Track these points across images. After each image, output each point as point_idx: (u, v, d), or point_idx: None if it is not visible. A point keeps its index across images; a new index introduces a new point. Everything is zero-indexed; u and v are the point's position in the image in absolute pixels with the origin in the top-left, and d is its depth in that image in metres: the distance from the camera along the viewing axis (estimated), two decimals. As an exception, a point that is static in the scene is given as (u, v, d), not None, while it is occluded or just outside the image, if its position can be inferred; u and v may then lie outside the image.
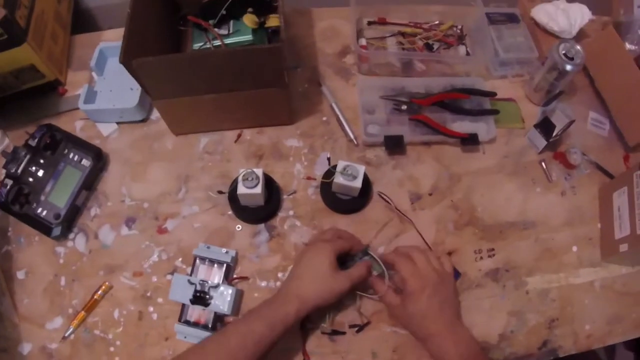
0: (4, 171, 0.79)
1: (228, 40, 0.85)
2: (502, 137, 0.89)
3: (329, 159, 0.85)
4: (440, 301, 0.68)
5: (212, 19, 0.85)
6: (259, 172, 0.74)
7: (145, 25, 0.74)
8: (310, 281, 0.66)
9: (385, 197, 0.80)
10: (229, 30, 0.86)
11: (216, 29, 0.85)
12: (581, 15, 0.94)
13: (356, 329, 0.73)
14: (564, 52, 0.84)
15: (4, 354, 0.72)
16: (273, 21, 0.85)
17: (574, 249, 0.81)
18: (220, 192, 0.81)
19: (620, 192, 0.79)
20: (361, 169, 0.75)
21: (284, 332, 0.63)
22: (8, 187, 0.78)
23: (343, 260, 0.72)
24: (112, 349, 0.72)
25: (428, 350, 0.68)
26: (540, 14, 0.96)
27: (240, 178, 0.74)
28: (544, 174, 0.87)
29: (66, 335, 0.72)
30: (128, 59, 0.66)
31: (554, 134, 0.83)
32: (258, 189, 0.73)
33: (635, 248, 0.73)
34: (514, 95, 0.94)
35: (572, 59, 0.84)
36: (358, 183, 0.74)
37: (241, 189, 0.73)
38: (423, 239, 0.79)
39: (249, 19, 0.84)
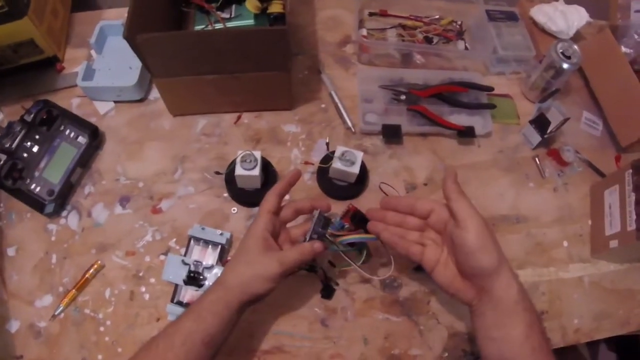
0: (-2, 146, 0.78)
1: (230, 24, 0.85)
2: (498, 133, 0.90)
3: (327, 144, 0.85)
4: None
5: (214, 2, 0.85)
6: (257, 154, 0.74)
7: (149, 4, 0.74)
8: (235, 264, 0.60)
9: (387, 186, 0.77)
10: (231, 14, 0.86)
11: (218, 12, 0.85)
12: (579, 17, 0.96)
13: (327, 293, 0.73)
14: (561, 50, 0.86)
15: (-9, 331, 0.71)
16: (275, 7, 0.84)
17: (565, 244, 0.82)
18: (217, 173, 0.81)
19: (611, 190, 0.80)
20: (359, 155, 0.75)
21: (218, 325, 0.56)
22: (1, 162, 0.77)
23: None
24: (102, 328, 0.71)
25: (491, 288, 0.56)
26: (539, 14, 0.98)
27: (238, 159, 0.74)
28: (538, 170, 0.88)
29: (56, 313, 0.71)
30: (132, 34, 0.66)
31: (549, 130, 0.84)
32: (256, 171, 0.73)
33: (625, 244, 0.74)
34: (510, 92, 0.95)
35: (569, 57, 0.85)
36: (355, 169, 0.75)
37: (239, 171, 0.73)
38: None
39: (251, 4, 0.84)
